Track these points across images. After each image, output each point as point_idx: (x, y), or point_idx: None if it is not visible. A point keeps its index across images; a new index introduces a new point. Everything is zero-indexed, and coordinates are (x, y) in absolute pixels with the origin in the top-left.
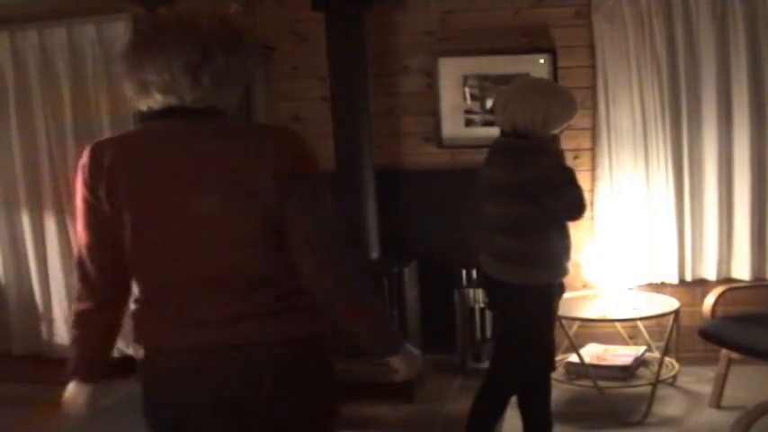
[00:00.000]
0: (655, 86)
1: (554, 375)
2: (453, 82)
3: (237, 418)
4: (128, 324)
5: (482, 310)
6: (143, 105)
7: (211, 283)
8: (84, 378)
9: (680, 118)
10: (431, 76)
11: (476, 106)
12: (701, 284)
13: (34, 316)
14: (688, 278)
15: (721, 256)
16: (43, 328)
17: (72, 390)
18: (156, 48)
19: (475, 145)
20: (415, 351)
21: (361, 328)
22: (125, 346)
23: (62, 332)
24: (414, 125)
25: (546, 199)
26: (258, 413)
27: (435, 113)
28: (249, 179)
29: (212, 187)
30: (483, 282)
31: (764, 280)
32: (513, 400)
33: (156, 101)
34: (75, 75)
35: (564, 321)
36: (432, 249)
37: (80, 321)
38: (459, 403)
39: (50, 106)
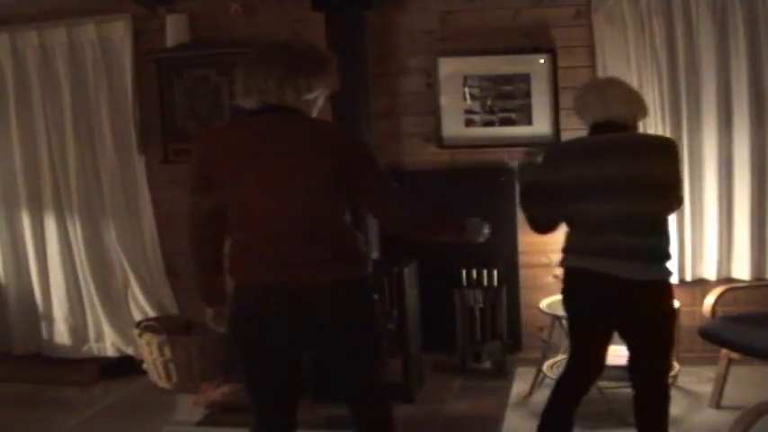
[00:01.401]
0: (655, 86)
1: (553, 375)
2: (453, 82)
3: (304, 338)
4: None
5: (482, 310)
6: (247, 104)
7: (292, 224)
8: (207, 303)
9: (680, 118)
10: (431, 76)
11: (476, 106)
12: (701, 284)
13: (34, 316)
14: (688, 278)
15: (721, 256)
16: (43, 328)
17: (206, 313)
18: (259, 63)
19: (475, 145)
20: (475, 219)
21: (433, 237)
22: (125, 345)
23: (62, 332)
24: (414, 125)
25: (675, 192)
26: (318, 334)
27: (435, 113)
28: (318, 150)
29: (293, 155)
30: (597, 286)
31: (764, 280)
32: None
33: (255, 101)
34: (75, 75)
35: (564, 321)
36: (432, 249)
37: (196, 263)
38: (459, 403)
39: (50, 106)
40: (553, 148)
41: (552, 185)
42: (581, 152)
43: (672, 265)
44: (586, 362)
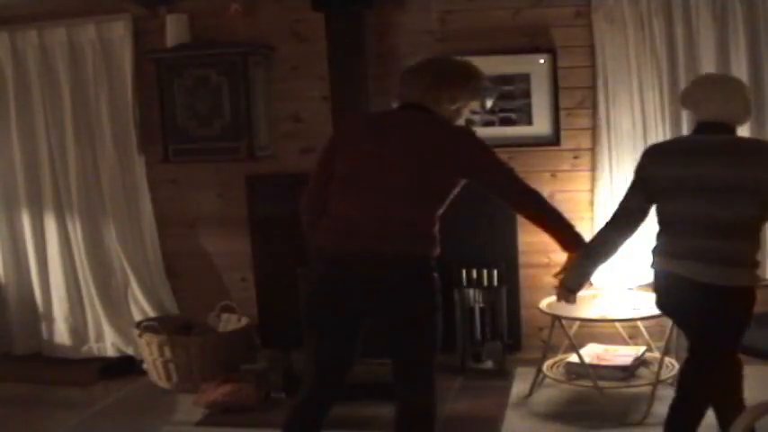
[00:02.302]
0: (655, 86)
1: (553, 375)
2: None
3: (375, 300)
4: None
5: (482, 310)
6: (394, 102)
7: (386, 202)
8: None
9: (680, 118)
10: None
11: (476, 106)
12: None
13: (34, 316)
14: None
15: None
16: (43, 328)
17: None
18: (411, 74)
19: None
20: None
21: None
22: (125, 345)
23: (62, 332)
24: None
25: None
26: (388, 298)
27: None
28: (437, 151)
29: (412, 146)
30: (681, 289)
31: (765, 280)
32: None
33: (399, 100)
34: (75, 75)
35: (564, 321)
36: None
37: (308, 227)
38: (459, 403)
39: (50, 106)
40: (655, 145)
41: (650, 182)
42: (682, 152)
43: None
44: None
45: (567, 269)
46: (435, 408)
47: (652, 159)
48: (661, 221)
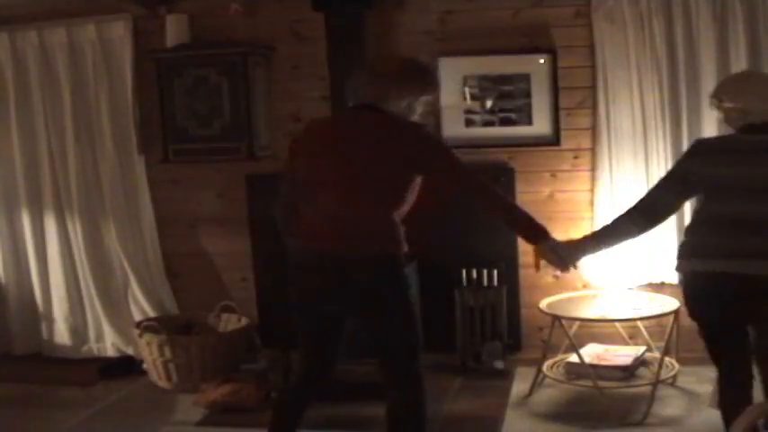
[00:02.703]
0: (655, 86)
1: (553, 375)
2: (453, 82)
3: (342, 301)
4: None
5: (482, 310)
6: (350, 104)
7: (344, 203)
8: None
9: (680, 118)
10: None
11: (476, 106)
12: None
13: (34, 316)
14: None
15: None
16: (43, 328)
17: None
18: (361, 73)
19: (475, 145)
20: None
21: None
22: (125, 345)
23: (62, 332)
24: None
25: None
26: (354, 299)
27: (435, 113)
28: (384, 147)
29: (362, 146)
30: (736, 289)
31: None
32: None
33: (353, 101)
34: (75, 75)
35: (564, 321)
36: (432, 249)
37: (282, 231)
38: (459, 403)
39: (50, 106)
40: (702, 141)
41: (698, 180)
42: (738, 152)
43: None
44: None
45: (565, 246)
46: (423, 406)
47: (704, 157)
48: (704, 220)
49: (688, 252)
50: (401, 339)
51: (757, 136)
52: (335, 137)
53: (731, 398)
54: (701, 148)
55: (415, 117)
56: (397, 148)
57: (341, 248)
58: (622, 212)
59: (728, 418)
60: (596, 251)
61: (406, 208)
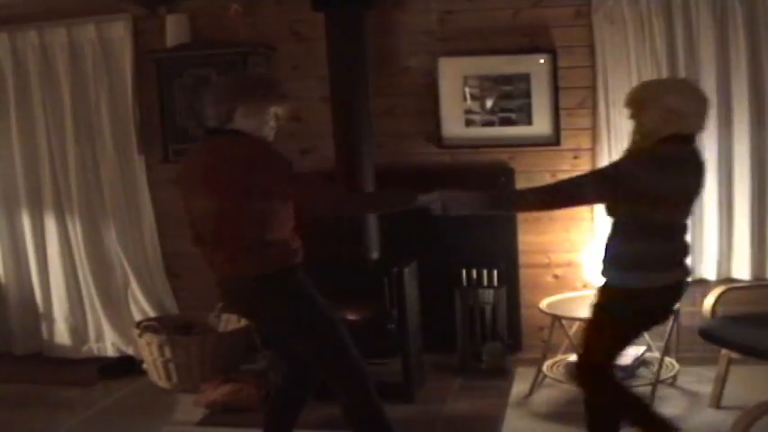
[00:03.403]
0: None
1: (553, 375)
2: (453, 82)
3: (245, 314)
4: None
5: (482, 310)
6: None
7: (213, 230)
8: None
9: None
10: (431, 76)
11: (476, 106)
12: (701, 284)
13: (34, 316)
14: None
15: (721, 256)
16: (43, 328)
17: None
18: (204, 98)
19: (475, 145)
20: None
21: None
22: (125, 345)
23: (62, 332)
24: (414, 125)
25: None
26: (251, 315)
27: (435, 113)
28: (226, 167)
29: (211, 174)
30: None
31: (764, 280)
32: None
33: (202, 125)
34: (75, 75)
35: (564, 321)
36: (432, 249)
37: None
38: (459, 403)
39: (50, 106)
40: (662, 155)
41: (645, 191)
42: (683, 163)
43: None
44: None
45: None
46: (361, 409)
47: (650, 170)
48: (658, 232)
49: (649, 264)
50: (309, 346)
51: (691, 147)
52: (191, 169)
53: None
54: (652, 164)
55: (268, 129)
56: (241, 166)
57: (224, 269)
58: (531, 189)
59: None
60: (487, 209)
61: (281, 224)
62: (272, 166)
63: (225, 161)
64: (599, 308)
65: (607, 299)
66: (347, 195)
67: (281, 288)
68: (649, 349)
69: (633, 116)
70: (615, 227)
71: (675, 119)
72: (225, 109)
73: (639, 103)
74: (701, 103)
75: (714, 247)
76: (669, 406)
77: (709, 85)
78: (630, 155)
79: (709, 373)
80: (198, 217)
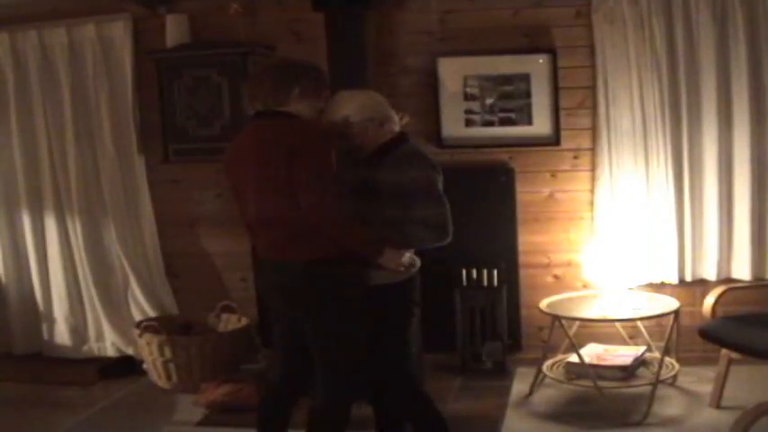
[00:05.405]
0: (655, 86)
1: (553, 375)
2: (453, 82)
3: (288, 300)
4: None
5: (482, 310)
6: (250, 111)
7: (267, 217)
8: None
9: (680, 118)
10: (431, 76)
11: (476, 106)
12: (701, 284)
13: (34, 316)
14: (688, 278)
15: (721, 256)
16: (43, 328)
17: None
18: (254, 80)
19: (475, 145)
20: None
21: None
22: (125, 345)
23: (62, 332)
24: (414, 125)
25: None
26: (295, 299)
27: (435, 113)
28: (278, 150)
29: (264, 156)
30: None
31: (764, 280)
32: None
33: (253, 108)
34: (75, 75)
35: (564, 321)
36: (432, 249)
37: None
38: (459, 403)
39: (50, 106)
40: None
41: None
42: None
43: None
44: None
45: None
46: (335, 414)
47: None
48: None
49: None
50: (323, 343)
51: None
52: (245, 150)
53: None
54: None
55: (313, 114)
56: (294, 147)
57: (277, 254)
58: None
59: None
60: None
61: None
62: (314, 152)
63: (277, 139)
64: None
65: None
66: (347, 224)
67: (327, 279)
68: (649, 349)
69: None
70: None
71: None
72: (283, 90)
73: None
74: None
75: (714, 247)
76: (669, 406)
77: (709, 85)
78: None
79: (710, 373)
80: (252, 200)
